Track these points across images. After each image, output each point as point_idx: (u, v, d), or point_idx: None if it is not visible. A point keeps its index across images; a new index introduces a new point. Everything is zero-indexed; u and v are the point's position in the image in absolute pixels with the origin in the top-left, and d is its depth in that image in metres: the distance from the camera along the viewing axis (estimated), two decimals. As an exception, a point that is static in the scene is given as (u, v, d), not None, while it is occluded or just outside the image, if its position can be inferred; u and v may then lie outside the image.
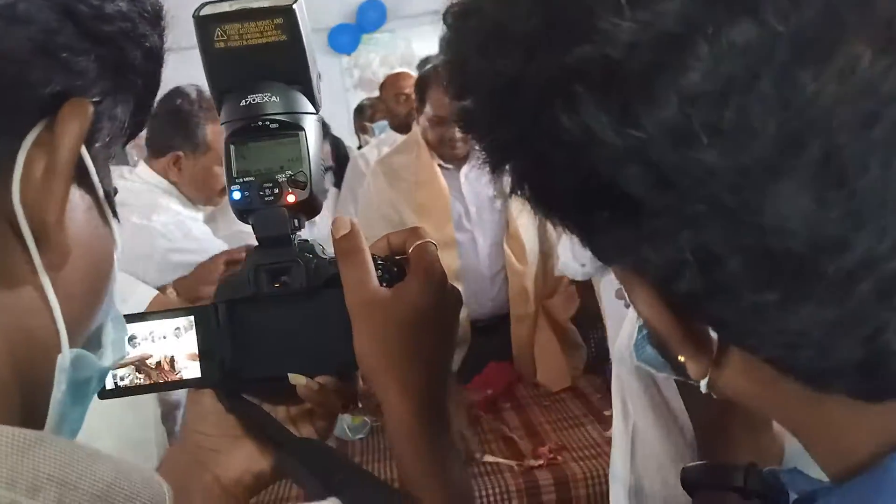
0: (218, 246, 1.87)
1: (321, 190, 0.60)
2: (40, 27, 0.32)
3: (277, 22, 0.56)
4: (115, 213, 0.39)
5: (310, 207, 0.59)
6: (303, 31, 0.57)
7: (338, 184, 3.21)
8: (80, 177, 0.36)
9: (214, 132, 1.87)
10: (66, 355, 0.35)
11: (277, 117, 0.58)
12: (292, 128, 0.58)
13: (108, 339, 0.41)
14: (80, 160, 0.35)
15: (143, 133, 1.48)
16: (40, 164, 0.33)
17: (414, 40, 6.59)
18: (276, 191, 0.58)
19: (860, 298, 0.28)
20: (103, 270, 0.39)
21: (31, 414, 0.35)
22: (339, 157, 3.38)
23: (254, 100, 0.58)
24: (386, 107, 3.36)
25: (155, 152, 1.92)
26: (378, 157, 2.50)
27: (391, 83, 3.34)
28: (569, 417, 1.84)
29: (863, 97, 0.26)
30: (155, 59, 0.40)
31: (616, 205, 0.31)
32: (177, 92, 1.88)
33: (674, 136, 0.28)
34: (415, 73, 3.04)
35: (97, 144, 0.37)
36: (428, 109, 2.02)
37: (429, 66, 2.31)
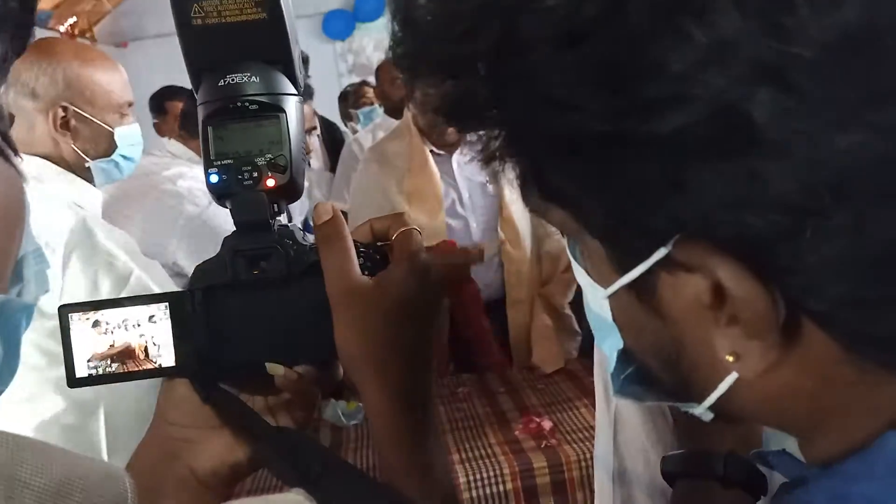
0: None
1: (301, 173, 0.58)
2: None
3: None
4: (15, 151, 0.37)
5: (290, 192, 0.57)
6: (284, 9, 0.55)
7: (332, 168, 3.19)
8: None
9: None
10: None
11: (257, 98, 0.56)
12: (273, 109, 0.56)
13: (31, 271, 0.40)
14: None
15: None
16: None
17: (410, 24, 6.54)
18: (256, 174, 0.56)
19: None
20: (13, 212, 0.37)
21: None
22: (334, 142, 3.36)
23: (233, 80, 0.56)
24: (381, 91, 3.33)
25: (195, 132, 1.89)
26: (372, 143, 2.48)
27: (387, 67, 3.31)
28: (562, 400, 1.84)
29: None
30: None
31: (727, 142, 0.27)
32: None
33: (830, 49, 0.25)
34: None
35: None
36: (418, 94, 2.00)
37: None
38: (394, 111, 3.14)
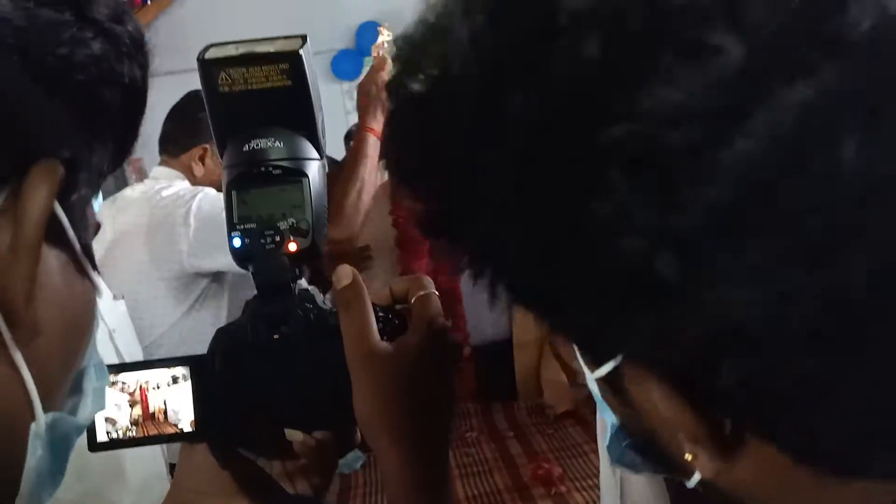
0: None
1: (323, 237, 0.58)
2: (3, 93, 0.30)
3: (283, 67, 0.55)
4: (94, 266, 0.37)
5: (311, 256, 0.58)
6: (308, 77, 0.56)
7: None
8: (55, 234, 0.33)
9: None
10: (40, 423, 0.34)
11: (281, 163, 0.57)
12: (296, 174, 0.57)
13: (90, 385, 0.39)
14: (54, 216, 0.33)
15: (139, 154, 1.45)
16: (6, 235, 0.31)
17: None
18: (278, 238, 0.56)
19: None
20: (82, 326, 0.37)
21: (2, 484, 0.33)
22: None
23: (257, 145, 0.57)
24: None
25: (175, 150, 1.85)
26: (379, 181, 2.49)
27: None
28: (572, 445, 1.83)
29: None
30: (135, 92, 0.37)
31: (641, 294, 0.28)
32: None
33: (723, 217, 0.25)
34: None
35: (73, 197, 0.34)
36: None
37: None
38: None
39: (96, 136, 0.35)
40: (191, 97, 1.84)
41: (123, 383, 0.56)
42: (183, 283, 1.68)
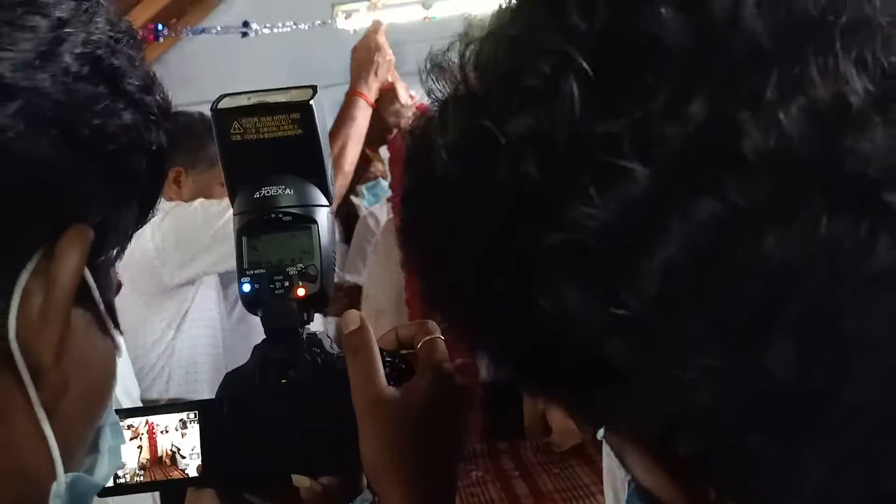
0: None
1: (331, 283, 0.59)
2: (39, 163, 0.31)
3: (294, 117, 0.57)
4: (116, 324, 0.38)
5: (320, 301, 0.58)
6: (318, 125, 0.57)
7: (347, 240, 3.21)
8: (81, 294, 0.34)
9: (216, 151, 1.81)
10: (61, 483, 0.34)
11: (291, 210, 0.58)
12: (305, 220, 0.58)
13: (106, 444, 0.40)
14: (82, 278, 0.33)
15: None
16: (38, 297, 0.32)
17: (419, 98, 6.68)
18: (287, 283, 0.57)
19: (858, 441, 0.28)
20: (103, 386, 0.38)
21: None
22: (349, 214, 3.40)
23: (268, 192, 0.58)
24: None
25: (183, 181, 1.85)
26: (388, 216, 2.51)
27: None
28: (578, 486, 1.81)
29: (827, 257, 0.26)
30: (160, 157, 0.38)
31: (602, 375, 0.30)
32: (179, 113, 1.83)
33: (657, 309, 0.28)
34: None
35: (101, 259, 0.36)
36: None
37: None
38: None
39: (124, 200, 0.36)
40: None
41: (131, 426, 0.57)
42: (168, 297, 1.70)
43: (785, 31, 0.27)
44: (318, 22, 3.06)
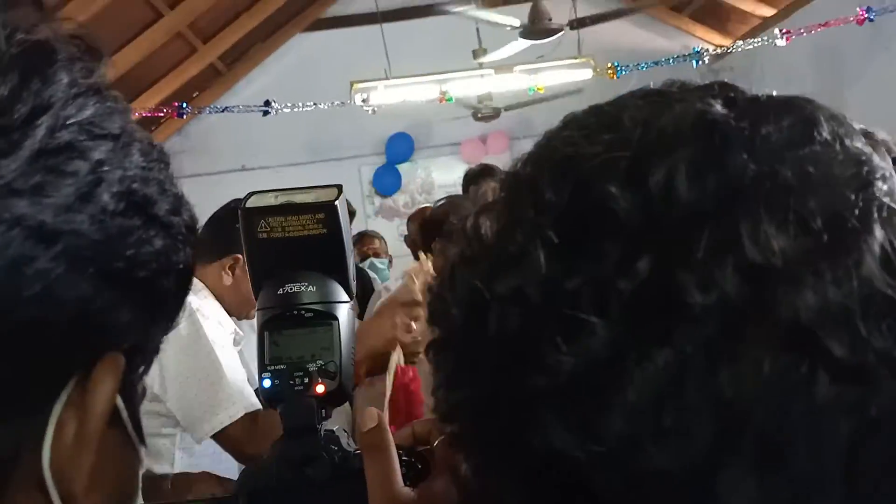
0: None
1: (350, 378, 0.60)
2: (76, 302, 0.31)
3: (319, 217, 0.58)
4: (142, 440, 0.39)
5: (338, 397, 0.59)
6: (342, 225, 0.59)
7: (361, 315, 3.22)
8: (111, 418, 0.35)
9: None
10: None
11: (312, 307, 0.59)
12: (326, 317, 0.59)
13: None
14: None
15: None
16: (71, 427, 0.32)
17: (434, 170, 6.78)
18: (306, 380, 0.58)
19: None
20: (126, 496, 0.39)
21: None
22: (364, 289, 3.41)
23: (291, 289, 0.59)
24: (412, 240, 3.41)
25: (208, 257, 1.87)
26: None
27: (418, 218, 3.40)
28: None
29: (773, 395, 0.29)
30: (187, 274, 0.39)
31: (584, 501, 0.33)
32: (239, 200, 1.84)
33: (627, 445, 0.31)
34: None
35: (130, 378, 0.36)
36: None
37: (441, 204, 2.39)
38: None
39: (152, 321, 0.37)
40: (230, 208, 1.87)
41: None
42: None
43: (713, 197, 0.31)
44: (338, 102, 3.14)
